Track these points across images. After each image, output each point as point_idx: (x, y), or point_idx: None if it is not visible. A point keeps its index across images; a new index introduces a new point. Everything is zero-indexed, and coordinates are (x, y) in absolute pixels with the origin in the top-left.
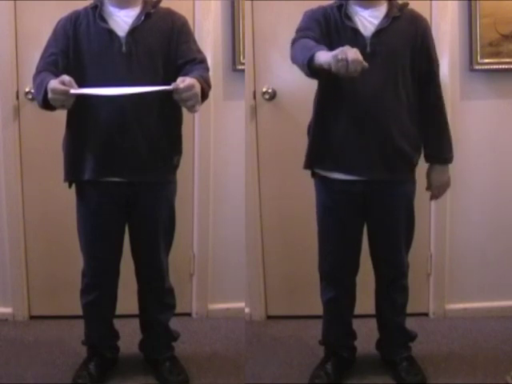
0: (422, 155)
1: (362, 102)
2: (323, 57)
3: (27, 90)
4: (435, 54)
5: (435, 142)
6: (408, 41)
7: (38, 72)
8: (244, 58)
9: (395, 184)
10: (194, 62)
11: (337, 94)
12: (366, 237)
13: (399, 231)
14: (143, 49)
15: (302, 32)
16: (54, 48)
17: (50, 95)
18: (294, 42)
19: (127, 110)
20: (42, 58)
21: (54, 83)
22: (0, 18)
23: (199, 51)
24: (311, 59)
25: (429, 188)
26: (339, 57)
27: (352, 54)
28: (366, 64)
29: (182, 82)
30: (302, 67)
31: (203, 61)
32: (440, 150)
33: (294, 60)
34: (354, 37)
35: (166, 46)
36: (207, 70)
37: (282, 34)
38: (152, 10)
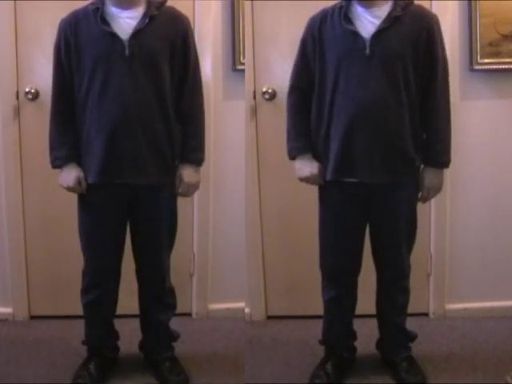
0: None
1: (362, 105)
2: (299, 169)
3: (27, 89)
4: (442, 52)
5: (434, 145)
6: (410, 41)
7: (55, 110)
8: (244, 58)
9: (397, 186)
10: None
11: (337, 98)
12: (368, 237)
13: (401, 233)
14: (146, 52)
15: (294, 81)
16: (60, 60)
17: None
18: (289, 93)
19: (129, 112)
20: (55, 76)
21: (68, 182)
22: (0, 18)
23: (195, 60)
24: (292, 156)
25: (420, 189)
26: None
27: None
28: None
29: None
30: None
31: (194, 93)
32: (437, 153)
33: (286, 119)
34: (353, 39)
35: (169, 49)
36: (199, 95)
37: (282, 34)
38: (156, 12)
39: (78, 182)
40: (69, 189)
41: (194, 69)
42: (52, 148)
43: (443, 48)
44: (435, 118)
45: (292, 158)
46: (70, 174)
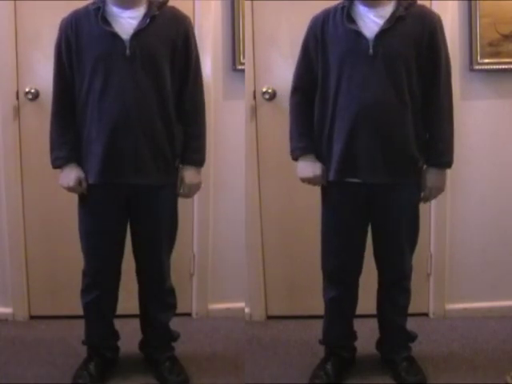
0: None
1: (364, 105)
2: (302, 169)
3: (27, 89)
4: (446, 53)
5: (436, 145)
6: (413, 41)
7: (55, 110)
8: (244, 58)
9: (399, 187)
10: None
11: (340, 98)
12: (370, 237)
13: (403, 233)
14: (147, 52)
15: (297, 81)
16: (61, 60)
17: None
18: (292, 94)
19: (129, 112)
20: (56, 76)
21: (69, 182)
22: (0, 18)
23: (197, 60)
24: (294, 156)
25: (422, 189)
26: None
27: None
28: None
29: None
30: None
31: (195, 92)
32: (440, 154)
33: (290, 119)
34: (356, 39)
35: (170, 50)
36: (201, 96)
37: (282, 34)
38: (157, 12)
39: (79, 182)
40: (69, 189)
41: (196, 69)
42: (52, 148)
43: (446, 49)
44: (438, 119)
45: (295, 158)
46: (70, 174)
